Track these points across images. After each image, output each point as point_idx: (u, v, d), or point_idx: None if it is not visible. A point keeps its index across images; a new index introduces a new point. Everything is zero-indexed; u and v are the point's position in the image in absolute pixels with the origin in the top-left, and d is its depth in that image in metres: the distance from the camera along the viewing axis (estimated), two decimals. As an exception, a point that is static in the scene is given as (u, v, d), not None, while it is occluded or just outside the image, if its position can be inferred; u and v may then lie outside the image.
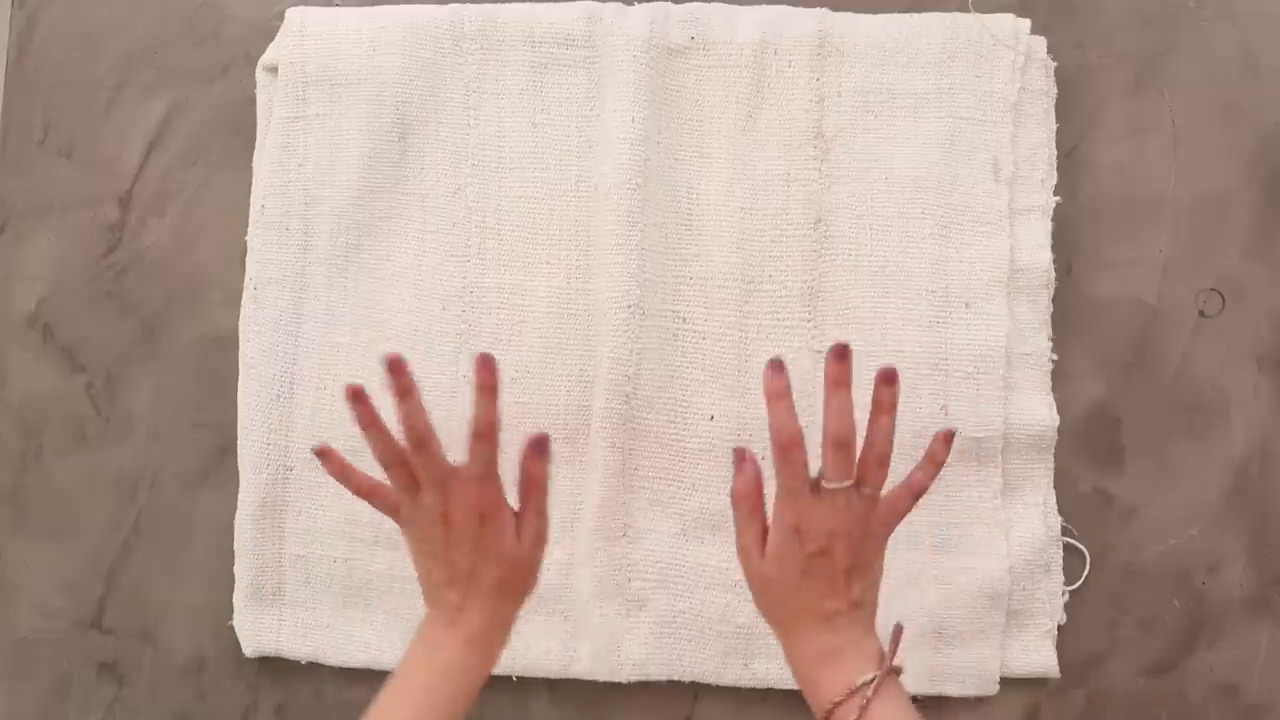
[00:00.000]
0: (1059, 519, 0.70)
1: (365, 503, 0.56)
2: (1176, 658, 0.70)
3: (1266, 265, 0.72)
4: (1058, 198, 0.71)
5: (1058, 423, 0.70)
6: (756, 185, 0.71)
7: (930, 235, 0.71)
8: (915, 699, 0.68)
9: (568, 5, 0.74)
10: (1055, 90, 0.72)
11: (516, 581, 0.56)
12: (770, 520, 0.54)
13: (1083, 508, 0.71)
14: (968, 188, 0.71)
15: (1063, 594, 0.70)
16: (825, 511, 0.52)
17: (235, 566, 0.73)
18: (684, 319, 0.71)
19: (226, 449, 0.74)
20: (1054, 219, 0.71)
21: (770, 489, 0.54)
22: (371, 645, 0.71)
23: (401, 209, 0.74)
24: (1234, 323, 0.71)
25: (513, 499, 0.56)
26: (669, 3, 0.73)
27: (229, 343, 0.74)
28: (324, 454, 0.57)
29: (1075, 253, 0.72)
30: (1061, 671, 0.69)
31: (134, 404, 0.76)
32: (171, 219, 0.77)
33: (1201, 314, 0.72)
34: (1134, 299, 0.72)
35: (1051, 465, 0.70)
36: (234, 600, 0.73)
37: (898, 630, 0.54)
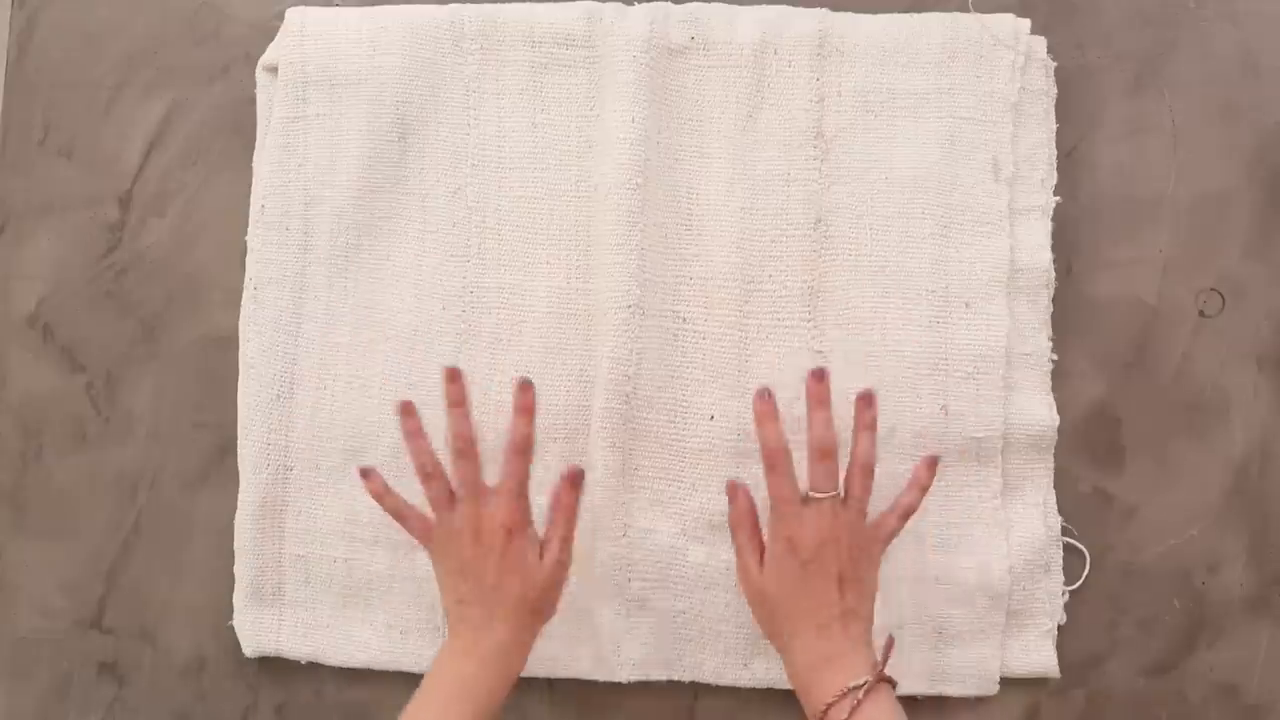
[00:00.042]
0: (1059, 519, 0.70)
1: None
2: (1176, 658, 0.70)
3: (1266, 265, 0.72)
4: (1058, 198, 0.71)
5: (1058, 423, 0.69)
6: (756, 185, 0.71)
7: (930, 235, 0.71)
8: (915, 699, 0.69)
9: (568, 5, 0.74)
10: (1055, 90, 0.72)
11: (536, 599, 0.58)
12: (766, 538, 0.58)
13: (1083, 508, 0.71)
14: (968, 188, 0.71)
15: (1063, 594, 0.70)
16: (814, 520, 0.56)
17: (235, 566, 0.73)
18: (684, 319, 0.71)
19: (226, 449, 0.74)
20: (1054, 219, 0.71)
21: (764, 507, 0.58)
22: (371, 645, 0.71)
23: (401, 209, 0.74)
24: (1234, 323, 0.71)
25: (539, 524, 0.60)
26: (669, 3, 0.73)
27: (229, 343, 0.74)
28: (367, 474, 0.61)
29: (1075, 253, 0.72)
30: (1061, 671, 0.69)
31: (134, 404, 0.76)
32: (171, 219, 0.77)
33: (1201, 314, 0.72)
34: (1134, 299, 0.72)
35: (1051, 465, 0.70)
36: (234, 600, 0.73)
37: (890, 642, 0.57)
